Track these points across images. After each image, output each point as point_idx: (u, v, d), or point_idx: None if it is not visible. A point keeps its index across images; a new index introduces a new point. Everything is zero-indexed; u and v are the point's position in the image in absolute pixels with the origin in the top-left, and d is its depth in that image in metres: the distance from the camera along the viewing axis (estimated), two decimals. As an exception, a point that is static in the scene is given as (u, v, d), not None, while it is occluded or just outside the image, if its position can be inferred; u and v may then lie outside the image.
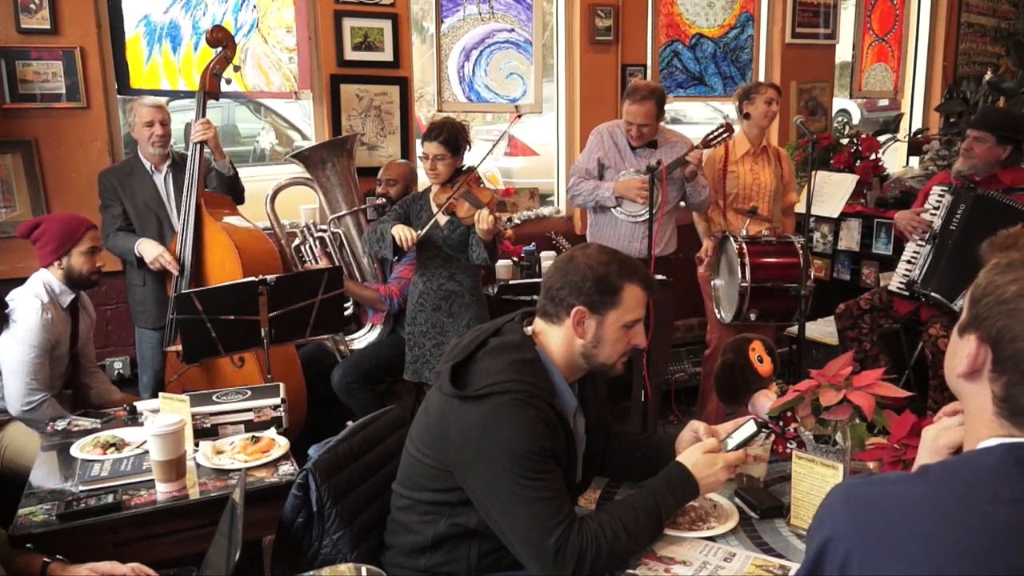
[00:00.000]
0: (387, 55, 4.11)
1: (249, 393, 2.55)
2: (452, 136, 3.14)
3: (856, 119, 8.27)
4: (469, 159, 3.29)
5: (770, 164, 3.92)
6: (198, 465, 2.23)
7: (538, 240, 4.28)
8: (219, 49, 3.34)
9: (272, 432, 2.40)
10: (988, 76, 5.59)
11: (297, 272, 3.52)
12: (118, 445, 2.35)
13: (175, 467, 2.08)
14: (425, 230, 3.10)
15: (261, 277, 2.85)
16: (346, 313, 3.57)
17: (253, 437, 2.34)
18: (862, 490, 0.98)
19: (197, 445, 2.30)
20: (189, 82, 3.83)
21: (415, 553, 1.71)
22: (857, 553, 0.93)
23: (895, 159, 5.71)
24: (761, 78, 5.12)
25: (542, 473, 1.55)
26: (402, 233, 3.02)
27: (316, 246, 3.70)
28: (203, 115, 3.33)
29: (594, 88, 4.58)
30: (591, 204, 3.71)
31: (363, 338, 3.74)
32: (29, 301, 2.81)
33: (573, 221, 4.64)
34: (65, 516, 1.95)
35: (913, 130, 5.79)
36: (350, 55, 4.03)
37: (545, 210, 4.61)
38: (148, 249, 3.26)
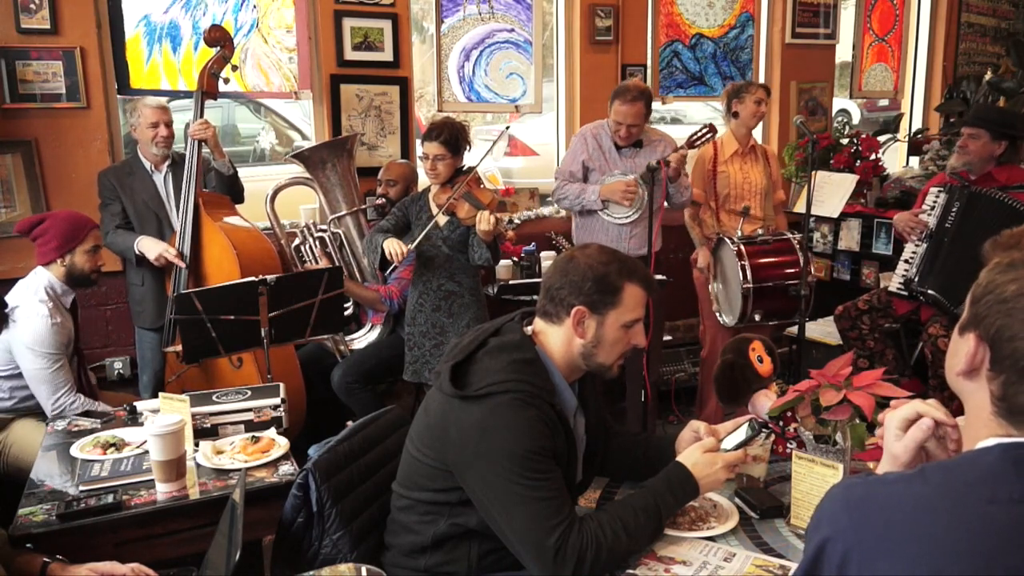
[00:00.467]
0: (387, 55, 4.11)
1: (249, 393, 2.54)
2: (452, 136, 3.14)
3: (856, 119, 8.25)
4: (469, 159, 3.29)
5: (759, 163, 3.92)
6: (198, 465, 2.23)
7: (538, 240, 4.28)
8: (217, 49, 3.34)
9: (272, 432, 2.40)
10: (988, 76, 5.59)
11: (297, 272, 3.52)
12: (118, 445, 2.35)
13: (175, 467, 2.08)
14: (423, 233, 3.10)
15: (261, 277, 2.85)
16: (346, 313, 3.57)
17: (253, 437, 2.34)
18: (860, 490, 0.98)
19: (197, 445, 2.30)
20: (189, 82, 3.83)
21: (415, 553, 1.71)
22: (855, 553, 0.93)
23: (895, 159, 5.70)
24: (761, 78, 5.12)
25: (542, 473, 1.55)
26: (392, 247, 3.02)
27: (316, 246, 3.70)
28: (201, 115, 3.32)
29: (594, 88, 4.57)
30: (577, 208, 3.72)
31: (363, 338, 3.74)
32: (34, 307, 2.78)
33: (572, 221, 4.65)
34: (65, 516, 1.95)
35: (913, 130, 5.79)
36: (350, 55, 4.04)
37: (545, 210, 4.62)
38: (149, 246, 3.26)
